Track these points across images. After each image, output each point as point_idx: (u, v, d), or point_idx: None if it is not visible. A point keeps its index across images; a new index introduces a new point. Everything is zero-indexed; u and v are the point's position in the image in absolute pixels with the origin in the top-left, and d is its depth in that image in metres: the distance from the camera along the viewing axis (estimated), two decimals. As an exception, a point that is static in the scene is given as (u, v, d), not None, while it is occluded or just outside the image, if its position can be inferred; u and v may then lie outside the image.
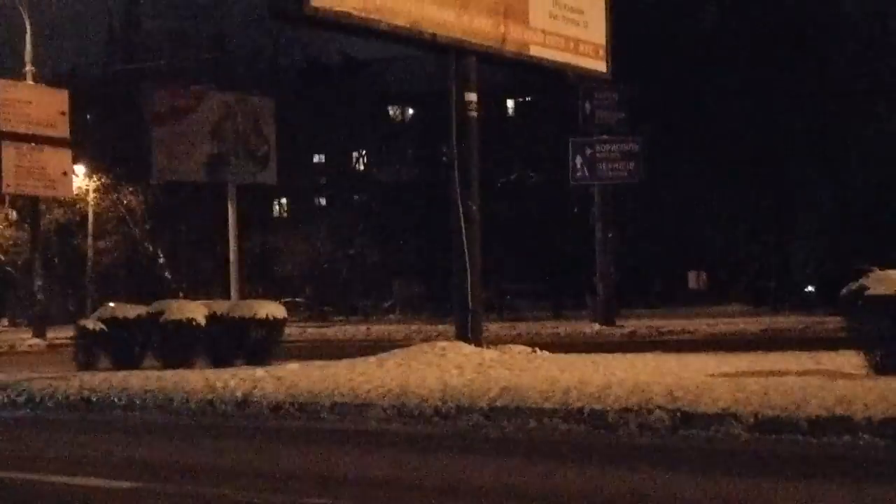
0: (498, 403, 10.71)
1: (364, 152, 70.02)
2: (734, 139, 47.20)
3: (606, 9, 21.50)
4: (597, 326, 33.63)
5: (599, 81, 27.08)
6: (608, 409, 9.95)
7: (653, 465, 8.16)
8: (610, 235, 35.58)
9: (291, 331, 27.24)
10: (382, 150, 67.48)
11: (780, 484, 7.24)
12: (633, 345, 23.07)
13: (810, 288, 51.31)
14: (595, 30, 21.23)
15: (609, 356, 16.79)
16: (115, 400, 13.73)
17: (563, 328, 34.11)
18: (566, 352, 18.28)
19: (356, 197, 67.83)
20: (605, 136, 35.82)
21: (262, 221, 59.55)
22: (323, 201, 69.36)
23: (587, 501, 6.91)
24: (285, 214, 68.01)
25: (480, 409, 10.73)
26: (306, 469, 8.64)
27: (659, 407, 9.71)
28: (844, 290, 12.00)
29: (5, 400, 14.86)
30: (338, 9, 16.39)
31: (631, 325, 33.50)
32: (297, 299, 57.74)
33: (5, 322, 69.72)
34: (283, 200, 68.00)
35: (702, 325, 32.07)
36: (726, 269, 54.28)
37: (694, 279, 55.80)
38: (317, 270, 59.87)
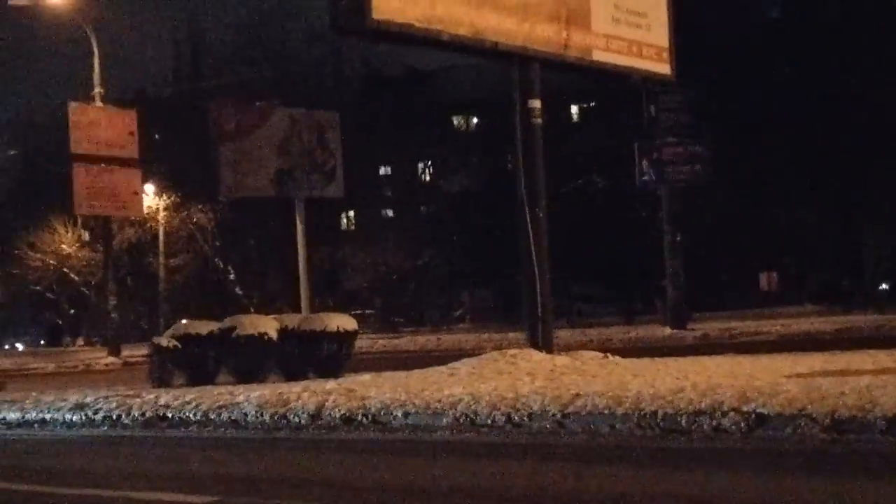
0: (570, 410, 10.67)
1: (430, 163, 70.21)
2: (802, 137, 46.74)
3: (669, 11, 21.40)
4: (668, 330, 33.44)
5: (664, 84, 26.97)
6: (681, 412, 9.88)
7: (724, 468, 8.10)
8: (678, 238, 35.37)
9: (362, 343, 27.34)
10: (448, 160, 67.60)
11: (856, 484, 7.16)
12: (706, 347, 22.89)
13: (884, 286, 50.66)
14: (658, 32, 21.14)
15: (681, 359, 16.70)
16: (191, 416, 13.85)
17: (634, 333, 33.95)
18: (638, 356, 18.20)
19: (423, 208, 68.03)
20: (670, 139, 35.64)
21: (331, 235, 59.83)
22: (390, 213, 69.61)
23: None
24: (353, 227, 68.32)
25: (553, 416, 10.70)
26: (377, 480, 8.67)
27: (733, 409, 9.63)
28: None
29: (83, 419, 15.05)
30: (399, 20, 16.46)
31: (702, 327, 33.27)
32: (366, 311, 57.94)
33: (81, 342, 70.73)
34: (351, 213, 68.31)
35: (774, 326, 31.77)
36: (798, 269, 53.77)
37: (765, 280, 55.31)
38: (386, 282, 60.05)
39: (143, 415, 14.41)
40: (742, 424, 9.46)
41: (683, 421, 9.79)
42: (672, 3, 21.52)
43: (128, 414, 14.60)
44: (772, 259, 54.80)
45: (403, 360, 25.01)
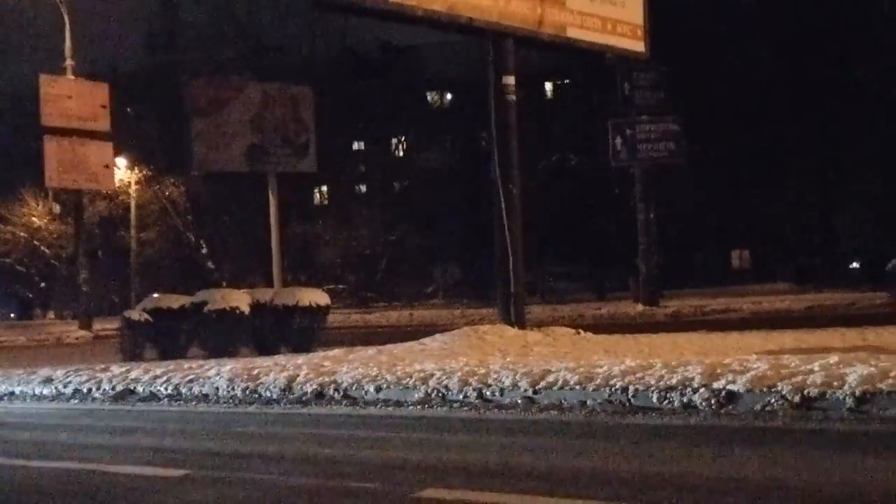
0: (541, 385, 10.70)
1: (403, 139, 70.10)
2: (776, 115, 46.89)
3: (643, -12, 21.40)
4: (640, 307, 33.57)
5: (638, 62, 27.00)
6: (651, 388, 9.92)
7: (695, 444, 8.14)
8: (651, 216, 35.46)
9: (335, 318, 27.33)
10: (422, 137, 67.51)
11: (823, 459, 7.21)
12: (677, 325, 23.00)
13: (855, 265, 50.93)
14: (632, 10, 21.14)
15: (652, 336, 16.78)
16: (161, 390, 13.83)
17: (607, 309, 34.06)
18: (609, 333, 18.27)
19: (396, 184, 67.93)
20: (644, 117, 35.68)
21: (303, 210, 59.69)
22: (363, 188, 69.46)
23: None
24: (326, 202, 68.15)
25: (524, 392, 10.72)
26: (348, 455, 8.67)
27: (703, 386, 9.68)
28: (890, 266, 11.91)
29: (53, 392, 15.01)
30: (374, -5, 16.43)
31: (674, 305, 33.41)
32: (339, 286, 57.89)
33: (51, 315, 70.42)
34: (324, 188, 68.14)
35: (745, 303, 31.93)
36: (769, 248, 54.01)
37: (737, 258, 55.51)
38: (358, 257, 59.99)
39: (113, 388, 14.38)
40: (712, 401, 9.51)
41: (654, 397, 9.83)
42: (647, -20, 21.53)
43: (98, 387, 14.57)
44: (744, 237, 55.00)
45: (376, 335, 25.03)
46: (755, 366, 10.12)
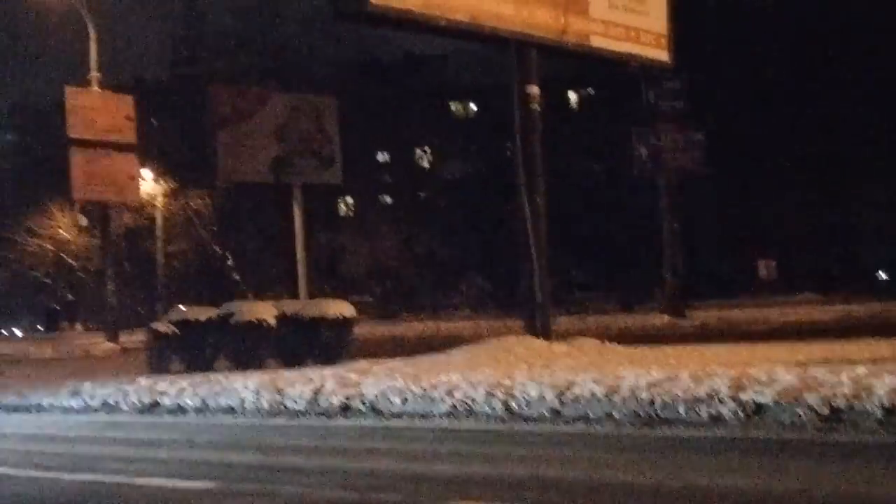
0: (566, 397, 10.67)
1: (428, 149, 70.13)
2: (801, 125, 46.71)
3: (667, -2, 21.36)
4: (666, 318, 33.41)
5: (662, 71, 26.90)
6: (678, 400, 9.88)
7: (722, 455, 8.10)
8: (676, 226, 35.31)
9: (360, 329, 27.29)
10: (446, 147, 67.53)
11: (851, 471, 7.16)
12: (704, 336, 22.88)
13: (882, 274, 50.66)
14: (656, 19, 21.09)
15: (679, 347, 16.70)
16: (188, 402, 13.85)
17: (632, 320, 33.92)
18: (635, 344, 18.20)
19: (421, 194, 67.97)
20: (668, 126, 35.55)
21: (329, 221, 59.78)
22: (388, 199, 69.52)
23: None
24: (351, 213, 68.23)
25: (549, 404, 10.69)
26: (375, 467, 8.66)
27: (730, 397, 9.63)
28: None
29: (81, 404, 15.06)
30: (398, 6, 16.44)
31: (700, 316, 33.25)
32: (364, 298, 57.90)
33: (79, 327, 70.71)
34: (349, 199, 68.23)
35: (772, 314, 31.75)
36: (795, 258, 53.76)
37: (763, 268, 55.26)
38: (384, 269, 60.01)
39: (139, 401, 14.41)
40: (740, 413, 9.46)
41: (681, 409, 9.78)
42: (671, -11, 21.48)
43: (125, 400, 14.60)
44: (770, 247, 54.75)
45: (401, 347, 24.99)
46: (783, 377, 10.06)
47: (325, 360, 18.07)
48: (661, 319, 33.32)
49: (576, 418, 10.39)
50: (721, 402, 9.61)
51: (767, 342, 16.92)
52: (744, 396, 9.56)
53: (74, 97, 38.75)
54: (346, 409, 12.26)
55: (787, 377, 10.04)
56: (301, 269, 33.39)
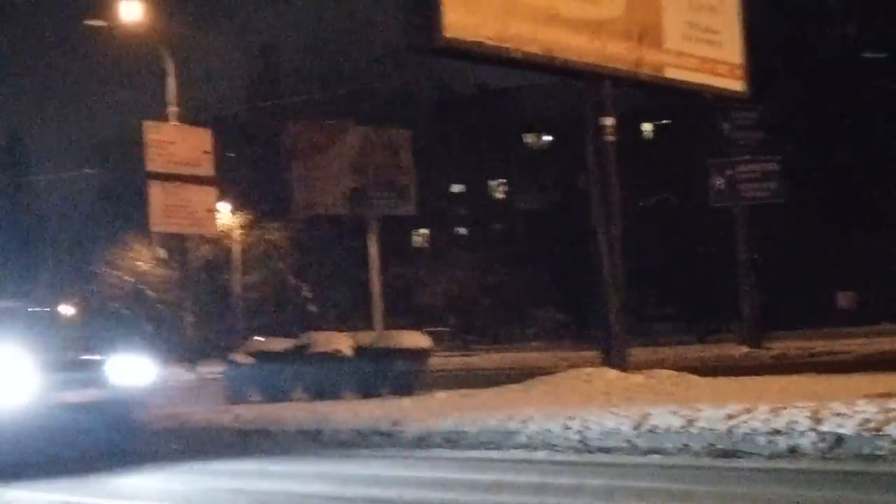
0: (644, 428, 10.62)
1: (502, 181, 70.25)
2: (879, 153, 46.19)
3: (742, 28, 21.25)
4: (743, 349, 33.07)
5: (737, 101, 26.75)
6: (757, 431, 9.80)
7: (804, 488, 8.02)
8: (754, 256, 35.02)
9: (436, 360, 27.31)
10: (520, 178, 67.58)
11: None
12: (782, 367, 22.64)
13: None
14: (731, 49, 20.99)
15: (756, 379, 16.55)
16: (269, 431, 13.96)
17: (709, 351, 33.63)
18: (712, 375, 18.05)
19: (496, 225, 68.05)
20: (745, 156, 35.30)
21: (403, 252, 59.99)
22: (463, 231, 69.68)
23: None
24: (426, 245, 68.47)
25: (626, 436, 10.65)
26: (451, 499, 8.67)
27: (810, 429, 9.53)
28: None
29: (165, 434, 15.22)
30: (471, 38, 16.50)
31: (779, 346, 32.89)
32: (439, 329, 57.98)
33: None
34: (424, 231, 68.48)
35: (852, 345, 31.32)
36: (875, 288, 53.00)
37: (843, 299, 54.53)
38: (459, 300, 60.07)
39: (222, 431, 14.54)
40: (820, 444, 9.36)
41: (759, 440, 9.70)
42: (745, 19, 21.38)
43: (207, 430, 14.74)
44: (849, 278, 54.02)
45: (477, 377, 24.98)
46: (863, 409, 9.94)
47: (401, 391, 18.11)
48: (738, 350, 33.00)
49: (652, 450, 10.34)
50: (800, 433, 9.52)
51: (847, 373, 16.69)
52: (823, 428, 9.46)
53: (153, 131, 39.25)
54: (422, 439, 12.28)
55: (868, 408, 9.92)
56: (376, 300, 33.55)
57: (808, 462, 9.13)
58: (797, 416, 9.92)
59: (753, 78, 21.56)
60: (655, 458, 10.10)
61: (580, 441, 10.91)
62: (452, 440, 11.98)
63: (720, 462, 9.52)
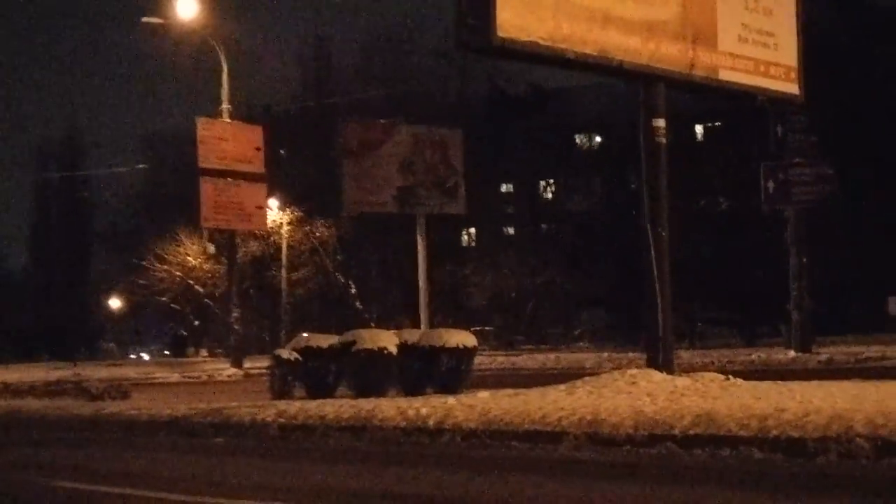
0: (691, 431, 10.55)
1: (552, 181, 70.15)
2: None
3: (798, 31, 21.05)
4: (792, 353, 32.86)
5: (791, 104, 26.51)
6: (807, 437, 9.70)
7: (852, 495, 7.94)
8: (804, 260, 34.76)
9: (481, 359, 27.32)
10: (570, 179, 67.46)
11: None
12: (831, 372, 22.44)
13: None
14: (786, 52, 20.80)
15: (806, 384, 16.38)
16: (312, 428, 13.98)
17: (757, 355, 33.40)
18: (761, 379, 17.89)
19: (544, 226, 67.97)
20: (798, 160, 35.05)
21: (451, 251, 60.06)
22: (511, 231, 69.64)
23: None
24: (474, 244, 68.49)
25: (674, 437, 10.58)
26: (497, 497, 8.65)
27: (861, 435, 9.43)
28: None
29: (206, 428, 15.29)
30: (525, 38, 16.43)
31: (828, 351, 32.63)
32: (486, 328, 57.98)
33: (204, 352, 72.00)
34: (472, 230, 68.49)
35: (902, 351, 31.01)
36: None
37: (893, 304, 53.99)
38: (505, 299, 60.05)
39: (264, 426, 14.59)
40: (871, 451, 9.26)
41: (809, 446, 9.61)
42: (801, 22, 21.18)
43: (250, 425, 14.80)
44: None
45: (522, 377, 24.93)
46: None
47: (446, 389, 18.09)
48: (786, 355, 32.77)
49: (699, 451, 10.25)
50: (851, 440, 9.42)
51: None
52: (875, 434, 9.36)
53: (205, 128, 39.54)
54: (468, 437, 12.26)
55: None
56: (423, 298, 33.62)
57: (859, 467, 9.02)
58: (847, 421, 9.80)
59: (808, 81, 21.35)
60: (704, 460, 10.02)
61: (627, 441, 10.84)
62: (499, 439, 11.94)
63: (770, 467, 9.43)
